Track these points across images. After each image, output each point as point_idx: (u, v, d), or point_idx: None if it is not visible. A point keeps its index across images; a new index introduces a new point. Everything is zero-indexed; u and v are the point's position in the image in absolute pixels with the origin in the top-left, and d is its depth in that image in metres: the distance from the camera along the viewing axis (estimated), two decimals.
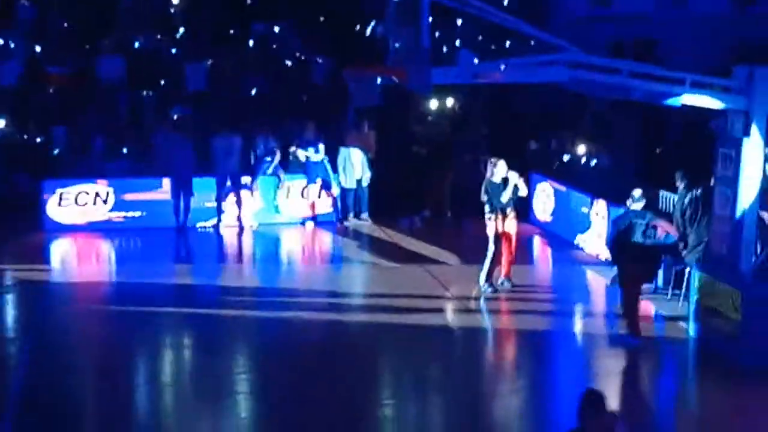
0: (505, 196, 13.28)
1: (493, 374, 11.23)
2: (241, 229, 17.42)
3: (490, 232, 13.37)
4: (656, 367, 11.47)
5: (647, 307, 12.55)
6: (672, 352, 11.68)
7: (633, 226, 11.61)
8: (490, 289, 13.34)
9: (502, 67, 12.69)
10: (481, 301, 13.25)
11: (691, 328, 11.80)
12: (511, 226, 13.46)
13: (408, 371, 11.15)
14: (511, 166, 13.53)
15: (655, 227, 11.77)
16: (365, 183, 17.68)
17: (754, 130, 11.13)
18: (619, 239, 11.71)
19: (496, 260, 13.40)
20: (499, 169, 13.36)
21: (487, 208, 13.38)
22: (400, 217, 17.87)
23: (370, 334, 12.18)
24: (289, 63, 20.48)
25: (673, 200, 13.86)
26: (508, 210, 13.37)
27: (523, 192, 13.66)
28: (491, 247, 13.34)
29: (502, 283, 13.50)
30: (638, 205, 11.82)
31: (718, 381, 10.82)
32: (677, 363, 11.58)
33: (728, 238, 11.39)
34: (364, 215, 17.76)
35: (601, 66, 12.01)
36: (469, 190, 17.82)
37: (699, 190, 12.48)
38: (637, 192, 11.93)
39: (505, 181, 13.35)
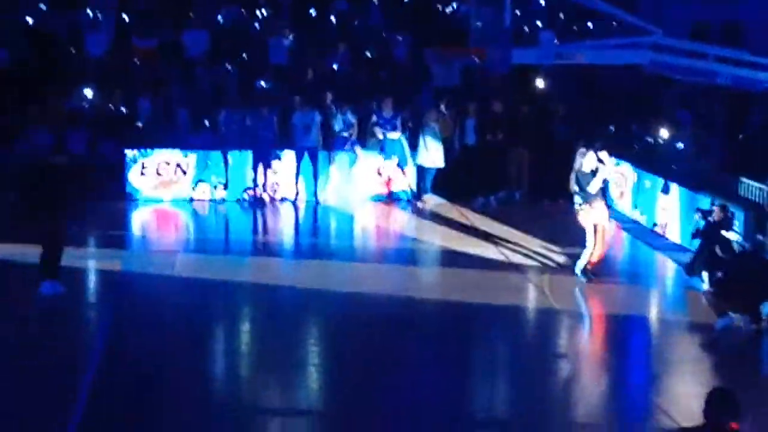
0: (594, 187, 12.95)
1: (562, 357, 11.18)
2: (317, 203, 17.59)
3: (585, 223, 13.08)
4: (730, 352, 11.28)
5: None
6: (747, 343, 11.47)
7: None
8: (584, 279, 13.04)
9: (583, 48, 12.62)
10: (555, 283, 13.19)
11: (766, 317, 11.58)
12: (601, 216, 13.14)
13: (477, 351, 11.18)
14: (596, 149, 13.30)
15: None
16: (442, 163, 17.65)
17: None
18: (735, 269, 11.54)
19: (594, 253, 13.05)
20: (587, 160, 13.03)
21: (577, 198, 13.10)
22: (476, 197, 17.84)
23: (441, 312, 12.21)
24: (369, 40, 20.53)
25: (758, 189, 13.57)
26: (598, 200, 13.08)
27: (610, 175, 13.30)
28: (589, 239, 13.03)
29: (590, 275, 13.11)
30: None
31: None
32: (751, 353, 11.36)
33: None
34: (429, 194, 17.70)
35: (685, 50, 11.84)
36: (547, 171, 17.80)
37: None
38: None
39: (594, 171, 13.01)
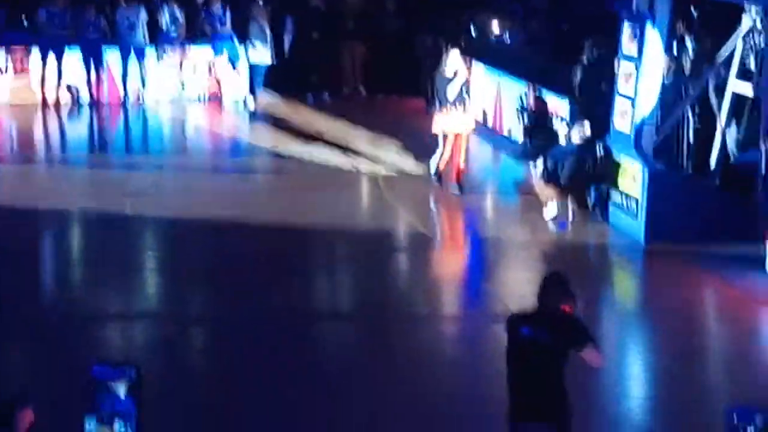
0: (451, 92, 12.16)
1: (398, 251, 11.37)
2: (145, 104, 17.01)
3: (437, 129, 12.36)
4: (559, 238, 11.65)
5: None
6: (574, 230, 11.86)
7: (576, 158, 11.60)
8: (437, 182, 12.49)
9: None
10: (390, 180, 13.28)
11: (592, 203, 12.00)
12: (455, 125, 12.34)
13: (314, 249, 11.25)
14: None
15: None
16: (269, 60, 17.27)
17: (660, 8, 11.17)
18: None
19: (445, 160, 12.38)
20: (451, 61, 12.29)
21: (436, 102, 12.44)
22: (308, 93, 17.58)
23: (278, 213, 12.07)
24: None
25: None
26: (458, 105, 12.24)
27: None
28: (439, 146, 12.35)
29: (453, 188, 12.47)
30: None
31: (622, 259, 11.15)
32: (578, 239, 11.77)
33: (630, 115, 11.52)
34: (261, 91, 17.35)
35: None
36: (381, 65, 17.74)
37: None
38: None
39: (456, 73, 12.27)
